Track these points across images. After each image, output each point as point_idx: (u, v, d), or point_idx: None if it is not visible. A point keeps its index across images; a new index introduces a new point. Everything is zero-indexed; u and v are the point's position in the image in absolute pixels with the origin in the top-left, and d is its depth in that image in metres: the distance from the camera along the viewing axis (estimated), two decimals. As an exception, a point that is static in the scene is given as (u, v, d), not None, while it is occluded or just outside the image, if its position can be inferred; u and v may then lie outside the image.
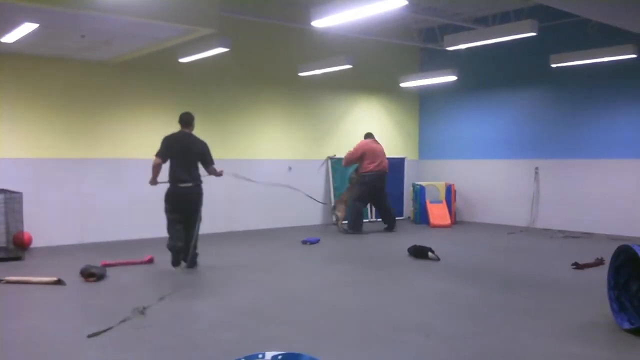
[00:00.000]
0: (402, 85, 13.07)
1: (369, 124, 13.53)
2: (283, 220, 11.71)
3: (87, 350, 4.42)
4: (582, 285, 6.67)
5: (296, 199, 12.02)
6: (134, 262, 7.88)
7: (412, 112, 14.39)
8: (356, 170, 11.51)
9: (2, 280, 6.66)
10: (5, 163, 9.06)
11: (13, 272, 7.02)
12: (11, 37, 7.67)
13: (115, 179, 10.06)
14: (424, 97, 14.34)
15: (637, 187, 10.51)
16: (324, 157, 12.77)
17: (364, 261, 8.42)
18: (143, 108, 10.34)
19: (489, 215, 12.80)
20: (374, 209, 12.62)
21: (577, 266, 7.63)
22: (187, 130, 7.73)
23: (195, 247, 7.56)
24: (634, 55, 9.58)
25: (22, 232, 8.53)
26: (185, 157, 7.54)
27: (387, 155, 12.10)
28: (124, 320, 5.08)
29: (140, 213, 10.16)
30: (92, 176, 9.85)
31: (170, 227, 7.53)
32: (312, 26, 8.10)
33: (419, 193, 12.70)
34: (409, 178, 13.77)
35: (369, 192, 11.23)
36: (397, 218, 11.77)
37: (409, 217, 13.41)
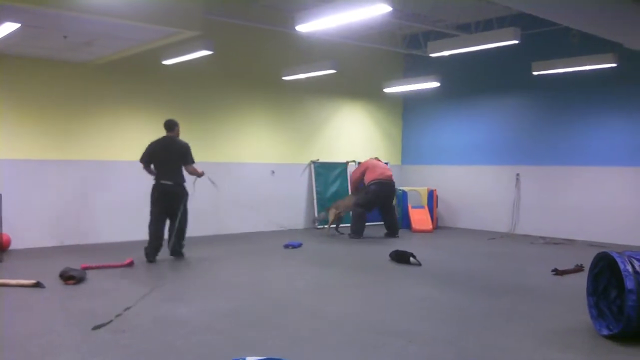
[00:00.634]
0: (386, 90, 13.12)
1: (352, 129, 13.58)
2: (266, 224, 11.65)
3: (64, 354, 4.38)
4: (562, 292, 6.72)
5: (279, 203, 12.04)
6: (114, 265, 7.81)
7: (395, 118, 14.45)
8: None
9: (-21, 282, 6.57)
10: (-16, 164, 8.96)
11: (-10, 275, 6.93)
12: (-8, 36, 7.59)
13: (97, 181, 9.97)
14: (408, 102, 14.41)
15: (617, 194, 10.63)
16: (307, 161, 12.77)
17: (346, 266, 8.43)
18: (126, 110, 10.27)
19: (471, 221, 12.88)
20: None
21: (557, 272, 7.69)
22: (170, 134, 8.39)
23: (179, 238, 8.34)
24: (614, 65, 9.69)
25: (0, 234, 8.43)
26: (166, 159, 8.23)
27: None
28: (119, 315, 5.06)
29: (121, 216, 10.10)
30: (73, 178, 9.75)
31: (151, 224, 8.24)
32: (296, 30, 8.10)
33: (402, 198, 12.73)
34: (392, 183, 13.80)
35: (374, 200, 11.14)
36: (378, 223, 11.77)
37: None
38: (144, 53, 9.02)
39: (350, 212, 11.38)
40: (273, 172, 12.11)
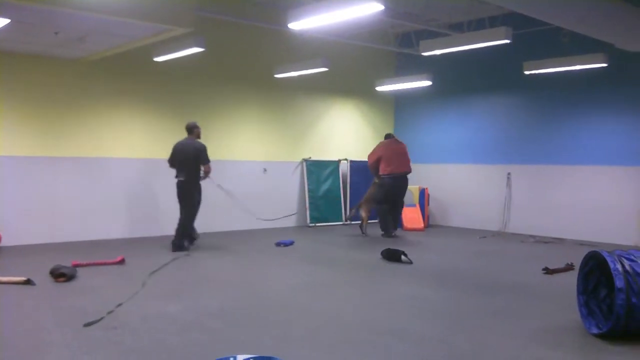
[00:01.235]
0: (378, 89, 13.13)
1: (344, 127, 13.60)
2: (257, 222, 11.64)
3: (55, 352, 4.36)
4: (552, 290, 6.75)
5: (271, 200, 12.03)
6: (105, 263, 7.78)
7: (387, 116, 14.47)
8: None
9: (-32, 279, 6.54)
10: (-26, 160, 8.92)
11: (-20, 272, 6.90)
12: (-18, 32, 7.54)
13: (89, 178, 9.94)
14: (399, 101, 14.43)
15: (607, 193, 10.69)
16: (299, 159, 12.77)
17: (337, 264, 8.43)
18: (117, 107, 10.23)
19: (462, 219, 12.92)
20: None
21: (548, 271, 7.73)
22: (190, 137, 9.17)
23: (186, 229, 9.13)
24: (604, 64, 9.74)
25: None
26: (183, 159, 9.01)
27: (362, 159, 12.10)
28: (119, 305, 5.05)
29: (112, 213, 10.08)
30: (64, 175, 9.71)
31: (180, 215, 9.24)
32: (288, 28, 8.10)
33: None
34: (383, 181, 13.80)
35: (386, 194, 11.07)
36: (370, 221, 11.76)
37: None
38: (135, 50, 8.99)
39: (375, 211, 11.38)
40: (265, 169, 12.10)
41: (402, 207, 11.55)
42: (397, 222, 11.52)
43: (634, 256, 4.83)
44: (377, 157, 11.20)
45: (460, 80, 13.06)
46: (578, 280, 5.33)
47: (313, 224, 12.56)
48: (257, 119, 12.10)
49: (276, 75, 11.59)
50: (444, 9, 10.49)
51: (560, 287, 6.80)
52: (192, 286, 6.77)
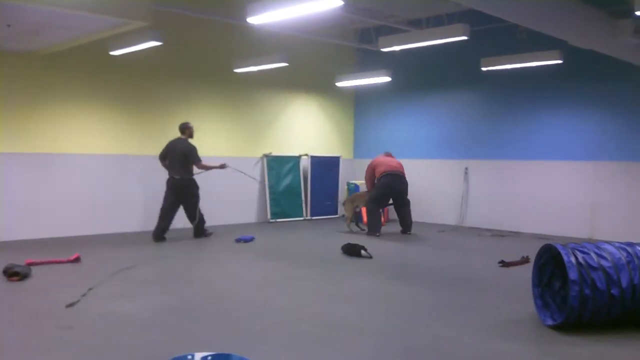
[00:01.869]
0: (338, 84, 13.15)
1: (305, 122, 13.58)
2: (218, 218, 11.53)
3: (11, 353, 4.26)
4: (508, 283, 6.87)
5: (231, 196, 11.94)
6: (60, 261, 7.62)
7: (347, 112, 14.51)
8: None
9: None
10: None
11: None
12: None
13: (42, 174, 9.70)
14: (360, 96, 14.49)
15: (562, 187, 10.93)
16: (260, 154, 12.71)
17: (297, 259, 8.43)
18: (73, 101, 10.00)
19: (421, 214, 13.02)
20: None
21: (504, 264, 7.87)
22: (182, 137, 9.78)
23: (196, 220, 9.85)
24: (559, 61, 9.95)
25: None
26: (174, 158, 9.62)
27: (322, 154, 12.10)
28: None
29: (67, 210, 9.88)
30: (16, 171, 9.45)
31: (161, 208, 9.65)
32: (248, 22, 8.04)
33: (354, 191, 12.79)
34: (344, 177, 13.87)
35: (385, 192, 10.96)
36: (331, 216, 11.75)
37: (343, 215, 13.50)
38: (91, 43, 8.78)
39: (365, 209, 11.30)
40: (225, 165, 11.98)
41: (409, 205, 11.28)
42: (408, 221, 11.17)
43: (587, 249, 4.95)
44: (371, 168, 11.20)
45: (420, 76, 13.17)
46: (533, 273, 5.44)
47: (274, 220, 12.52)
48: (217, 114, 12.00)
49: (236, 70, 11.50)
50: (403, 6, 10.56)
51: (516, 279, 6.92)
52: (149, 284, 6.67)
